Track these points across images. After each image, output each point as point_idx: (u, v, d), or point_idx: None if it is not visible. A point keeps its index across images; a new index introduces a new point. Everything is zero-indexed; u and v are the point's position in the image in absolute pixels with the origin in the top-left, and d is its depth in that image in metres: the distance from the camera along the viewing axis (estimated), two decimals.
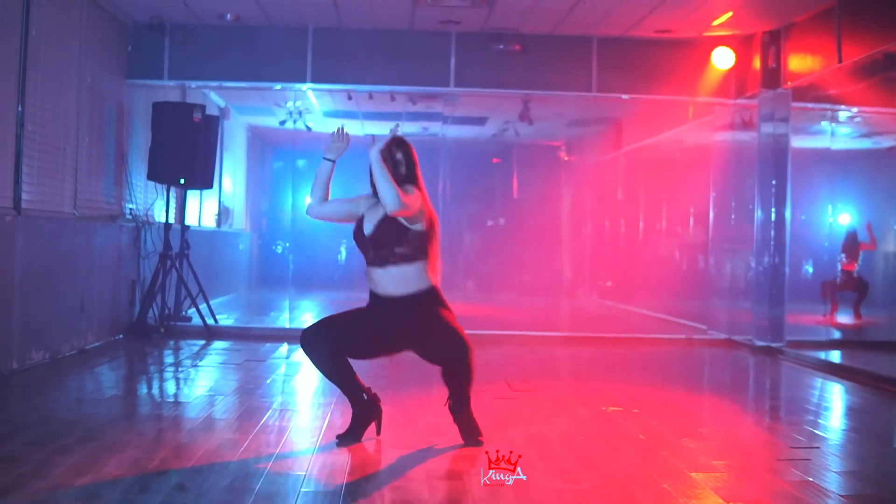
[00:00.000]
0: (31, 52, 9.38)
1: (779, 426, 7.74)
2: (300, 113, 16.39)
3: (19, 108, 9.19)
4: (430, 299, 6.30)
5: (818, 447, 6.72)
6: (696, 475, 5.68)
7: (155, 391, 8.81)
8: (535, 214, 21.43)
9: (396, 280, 6.23)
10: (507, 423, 7.10)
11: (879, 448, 7.04)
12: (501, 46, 12.76)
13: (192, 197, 13.80)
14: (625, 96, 13.40)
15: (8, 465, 5.38)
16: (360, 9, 11.85)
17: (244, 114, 18.71)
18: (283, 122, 16.79)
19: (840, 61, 10.89)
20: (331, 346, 6.20)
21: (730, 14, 11.63)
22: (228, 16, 12.22)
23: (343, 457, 5.96)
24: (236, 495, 4.99)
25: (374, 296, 6.36)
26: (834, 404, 9.22)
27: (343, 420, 6.76)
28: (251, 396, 8.08)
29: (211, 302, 13.18)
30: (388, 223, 6.19)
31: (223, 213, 17.81)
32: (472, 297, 18.93)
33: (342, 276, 20.47)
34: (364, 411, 6.40)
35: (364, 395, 6.40)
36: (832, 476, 5.88)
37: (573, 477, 5.60)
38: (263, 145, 22.23)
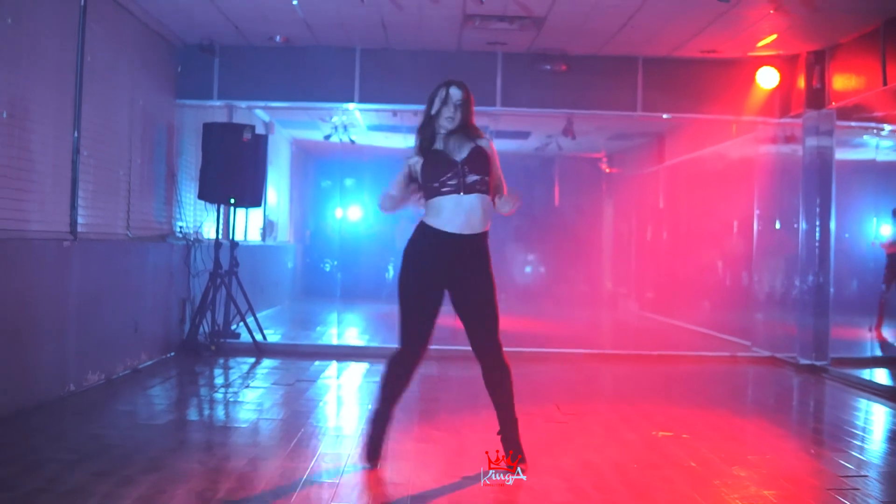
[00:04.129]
0: (86, 79, 9.55)
1: (826, 452, 7.74)
2: (345, 127, 16.52)
3: (75, 135, 9.36)
4: (487, 244, 6.47)
5: (867, 475, 6.79)
6: None
7: (210, 416, 8.96)
8: (578, 226, 21.53)
9: (471, 213, 6.31)
10: (559, 450, 7.20)
11: None
12: (547, 67, 12.84)
13: (239, 212, 13.96)
14: (670, 116, 13.46)
15: (76, 498, 5.52)
16: (407, 30, 11.99)
17: (288, 128, 18.91)
18: (327, 137, 16.91)
19: (885, 83, 10.93)
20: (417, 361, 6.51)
21: (775, 36, 11.68)
22: (278, 38, 12.39)
23: (401, 486, 6.07)
24: None
25: (439, 235, 6.35)
26: (879, 428, 9.25)
27: (399, 447, 6.91)
28: (305, 421, 8.20)
29: (257, 315, 13.29)
30: (478, 153, 6.38)
31: (268, 227, 17.98)
32: (517, 309, 19.00)
33: (390, 292, 20.50)
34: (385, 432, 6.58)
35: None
36: None
37: None
38: (307, 158, 22.42)
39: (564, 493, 5.94)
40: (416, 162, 6.40)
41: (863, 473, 6.85)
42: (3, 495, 5.55)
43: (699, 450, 7.39)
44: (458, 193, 6.27)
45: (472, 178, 6.29)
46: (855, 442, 8.16)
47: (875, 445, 8.23)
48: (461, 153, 6.33)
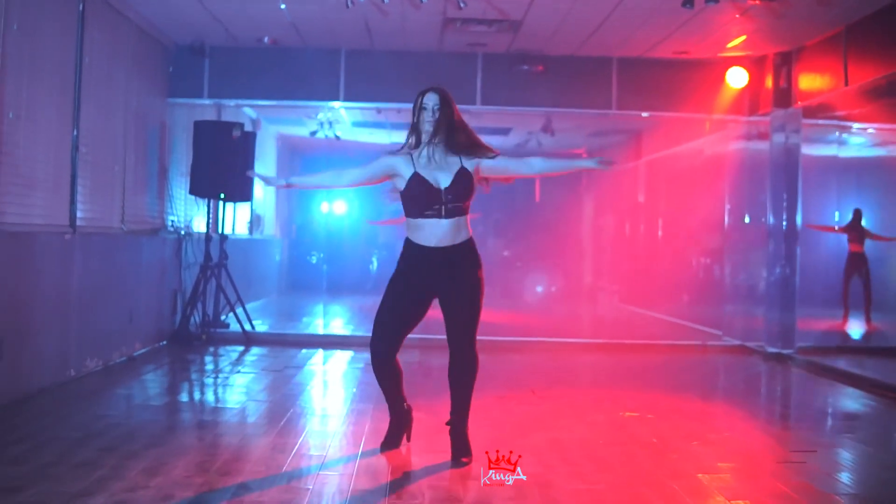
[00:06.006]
0: (84, 81, 10.02)
1: (782, 431, 8.33)
2: (330, 124, 16.87)
3: (74, 133, 9.83)
4: (474, 247, 6.69)
5: (815, 451, 7.30)
6: (703, 477, 6.27)
7: (205, 398, 9.49)
8: (558, 221, 21.92)
9: (454, 230, 6.56)
10: (531, 429, 7.72)
11: (872, 451, 7.59)
12: (525, 67, 13.32)
13: (227, 206, 14.32)
14: (644, 114, 13.96)
15: (87, 470, 6.01)
16: (391, 32, 12.44)
17: (274, 124, 19.22)
18: (313, 133, 17.25)
19: (846, 84, 11.45)
20: (393, 351, 6.69)
21: (744, 37, 12.16)
22: (266, 39, 12.83)
23: (384, 460, 6.58)
24: (294, 494, 5.63)
25: (419, 249, 6.59)
26: (835, 410, 9.77)
27: (381, 426, 7.32)
28: (294, 403, 8.70)
29: (245, 306, 13.69)
30: (464, 178, 6.55)
31: (255, 221, 18.38)
32: (498, 303, 19.41)
33: (374, 284, 20.86)
34: (402, 420, 6.95)
35: (404, 404, 6.94)
36: (825, 478, 6.46)
37: (590, 478, 6.20)
38: (293, 154, 22.73)
39: (533, 466, 6.39)
40: (397, 177, 6.62)
41: (811, 449, 7.37)
42: (19, 469, 6.02)
43: (662, 429, 7.90)
44: (439, 218, 6.55)
45: (452, 205, 6.54)
46: (811, 422, 8.71)
47: (828, 425, 8.77)
48: (445, 178, 6.52)
